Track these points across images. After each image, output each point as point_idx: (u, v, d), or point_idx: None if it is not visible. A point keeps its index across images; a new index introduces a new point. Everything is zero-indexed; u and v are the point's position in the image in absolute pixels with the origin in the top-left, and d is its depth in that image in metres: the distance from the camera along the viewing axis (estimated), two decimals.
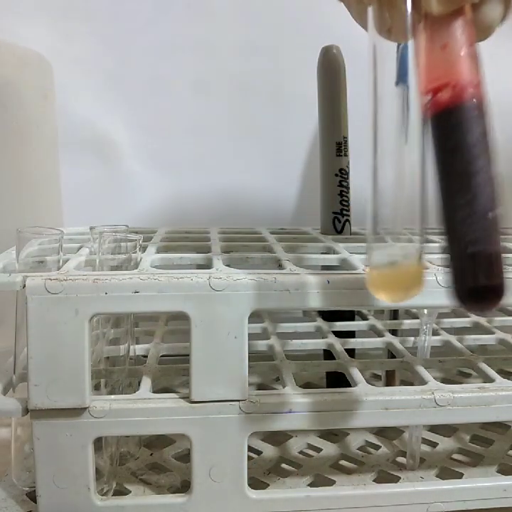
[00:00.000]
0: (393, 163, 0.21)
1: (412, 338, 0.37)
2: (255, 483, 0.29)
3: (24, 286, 0.23)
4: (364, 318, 0.40)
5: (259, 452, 0.32)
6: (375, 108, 0.21)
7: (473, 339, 0.38)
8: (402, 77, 0.25)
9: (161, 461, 0.31)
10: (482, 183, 0.19)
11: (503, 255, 0.19)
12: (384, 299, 0.21)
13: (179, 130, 0.48)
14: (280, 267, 0.27)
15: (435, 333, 0.36)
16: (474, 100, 0.20)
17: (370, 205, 0.21)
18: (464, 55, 0.20)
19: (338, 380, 0.31)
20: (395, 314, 0.40)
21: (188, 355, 0.24)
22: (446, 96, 0.20)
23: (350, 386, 0.27)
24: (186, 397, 0.25)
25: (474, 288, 0.18)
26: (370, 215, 0.21)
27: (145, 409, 0.24)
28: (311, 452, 0.32)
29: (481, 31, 0.22)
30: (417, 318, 0.37)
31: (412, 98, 0.21)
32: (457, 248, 0.19)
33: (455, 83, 0.20)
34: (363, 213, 0.40)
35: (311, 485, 0.29)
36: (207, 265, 0.27)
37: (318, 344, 0.35)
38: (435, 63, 0.21)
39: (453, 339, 0.35)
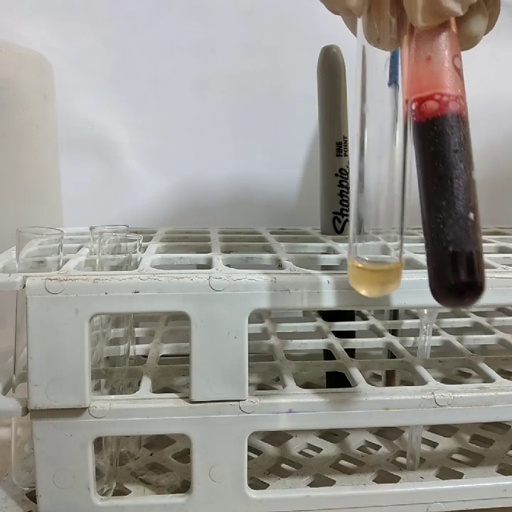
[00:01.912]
0: (377, 163, 0.22)
1: (412, 338, 0.37)
2: (255, 483, 0.29)
3: (24, 286, 0.23)
4: (364, 318, 0.40)
5: (259, 452, 0.32)
6: (362, 110, 0.22)
7: (473, 339, 0.38)
8: (393, 77, 0.26)
9: (161, 461, 0.31)
10: (462, 187, 0.21)
11: (483, 254, 0.20)
12: (363, 294, 0.22)
13: (179, 130, 0.48)
14: (280, 267, 0.27)
15: (435, 333, 0.36)
16: (456, 111, 0.21)
17: (353, 203, 0.22)
18: (448, 67, 0.21)
19: (338, 380, 0.31)
20: (395, 314, 0.40)
21: (188, 355, 0.24)
22: (430, 107, 0.21)
23: (350, 386, 0.27)
24: (186, 397, 0.25)
25: (455, 285, 0.19)
26: (352, 212, 0.22)
27: (145, 409, 0.24)
28: (311, 452, 0.32)
29: (466, 42, 0.23)
30: (417, 318, 0.37)
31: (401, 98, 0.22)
32: (438, 247, 0.20)
33: (439, 95, 0.21)
34: None
35: (311, 485, 0.29)
36: (207, 265, 0.27)
37: (318, 344, 0.35)
38: (420, 74, 0.22)
39: (453, 339, 0.35)
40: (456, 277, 0.19)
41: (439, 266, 0.20)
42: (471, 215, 0.20)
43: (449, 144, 0.21)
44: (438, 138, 0.21)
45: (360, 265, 0.22)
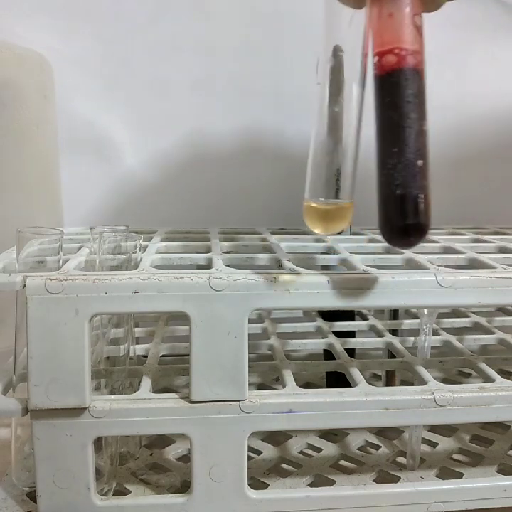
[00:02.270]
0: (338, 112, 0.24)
1: (412, 338, 0.37)
2: (255, 483, 0.29)
3: (24, 286, 0.23)
4: (364, 318, 0.40)
5: (259, 452, 0.32)
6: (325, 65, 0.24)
7: (473, 339, 0.38)
8: None
9: (161, 461, 0.31)
10: (413, 135, 0.22)
11: (430, 198, 0.22)
12: (316, 231, 0.25)
13: (179, 130, 0.48)
14: (280, 267, 0.27)
15: (435, 333, 0.36)
16: (413, 65, 0.22)
17: (311, 149, 0.24)
18: (408, 24, 0.23)
19: (338, 380, 0.31)
20: (395, 314, 0.40)
21: (188, 355, 0.24)
22: (389, 60, 0.22)
23: (350, 386, 0.27)
24: (186, 397, 0.25)
25: (402, 226, 0.21)
26: (310, 157, 0.24)
27: (145, 409, 0.24)
28: (311, 452, 0.32)
29: (431, 3, 0.24)
30: (417, 318, 0.37)
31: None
32: (388, 190, 0.22)
33: (398, 49, 0.22)
34: (363, 213, 0.40)
35: (311, 485, 0.29)
36: (207, 265, 0.27)
37: (318, 344, 0.35)
38: (383, 30, 0.23)
39: (453, 339, 0.35)
40: (404, 218, 0.21)
41: (389, 208, 0.22)
42: (420, 162, 0.22)
43: (404, 94, 0.22)
44: (394, 89, 0.22)
45: (313, 204, 0.24)
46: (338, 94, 0.25)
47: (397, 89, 0.22)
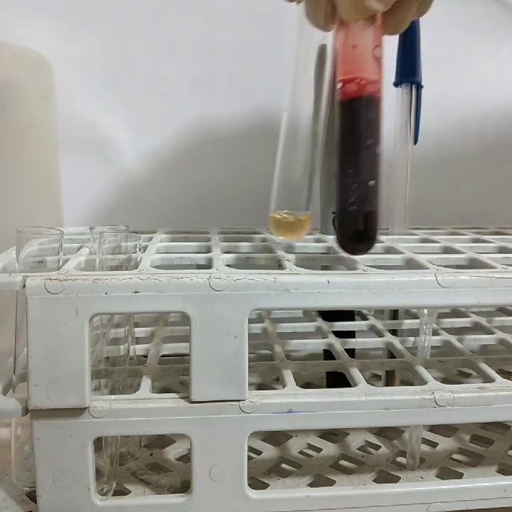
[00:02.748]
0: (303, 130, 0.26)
1: (412, 338, 0.37)
2: (255, 483, 0.29)
3: (24, 286, 0.23)
4: (364, 318, 0.40)
5: (259, 452, 0.32)
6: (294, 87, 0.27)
7: (473, 339, 0.38)
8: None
9: (161, 461, 0.31)
10: (368, 159, 0.25)
11: (379, 215, 0.25)
12: (281, 239, 0.28)
13: (179, 130, 0.48)
14: (280, 267, 0.27)
15: (435, 333, 0.36)
16: (371, 94, 0.25)
17: (277, 166, 0.26)
18: (369, 56, 0.25)
19: (338, 380, 0.31)
20: (395, 314, 0.40)
21: (188, 355, 0.24)
22: (351, 88, 0.25)
23: (350, 386, 0.27)
24: (186, 397, 0.25)
25: (354, 237, 0.25)
26: (276, 173, 0.26)
27: (145, 409, 0.24)
28: (311, 452, 0.32)
29: (394, 27, 0.26)
30: (417, 318, 0.37)
31: None
32: (343, 207, 0.25)
33: (359, 80, 0.25)
34: None
35: (311, 485, 0.29)
36: (207, 265, 0.27)
37: (318, 344, 0.35)
38: (347, 59, 0.25)
39: (453, 339, 0.35)
40: (355, 230, 0.24)
41: (343, 222, 0.25)
42: (372, 183, 0.25)
43: (362, 121, 0.25)
44: (353, 115, 0.25)
45: (276, 216, 0.26)
46: (318, 112, 0.27)
47: (357, 116, 0.25)
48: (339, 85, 0.25)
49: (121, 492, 0.28)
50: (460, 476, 0.30)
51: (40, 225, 0.26)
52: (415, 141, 0.38)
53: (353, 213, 0.25)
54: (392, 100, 0.38)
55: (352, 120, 0.25)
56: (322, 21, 0.24)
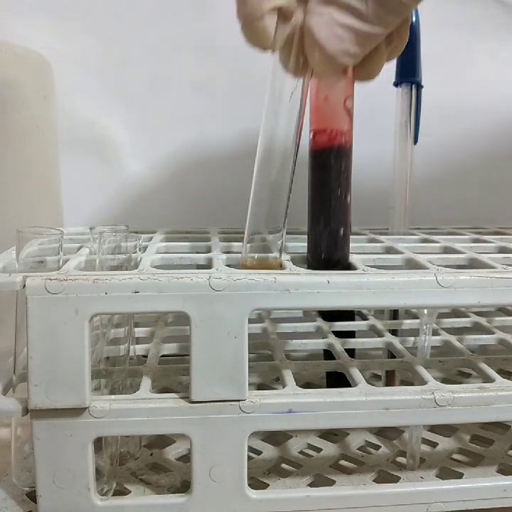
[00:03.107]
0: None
1: (412, 338, 0.37)
2: (255, 483, 0.29)
3: (24, 286, 0.23)
4: (364, 318, 0.40)
5: (259, 452, 0.32)
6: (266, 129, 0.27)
7: (473, 339, 0.38)
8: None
9: (161, 461, 0.31)
10: (338, 207, 0.27)
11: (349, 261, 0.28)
12: None
13: (179, 130, 0.48)
14: (280, 267, 0.27)
15: (435, 333, 0.36)
16: (341, 145, 0.26)
17: (249, 211, 0.26)
18: (340, 107, 0.26)
19: (338, 380, 0.31)
20: (395, 314, 0.40)
21: (188, 355, 0.24)
22: (322, 139, 0.26)
23: (350, 386, 0.27)
24: (186, 397, 0.25)
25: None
26: (248, 218, 0.26)
27: (145, 409, 0.24)
28: (311, 452, 0.32)
29: (365, 76, 0.26)
30: (417, 318, 0.37)
31: None
32: (315, 253, 0.28)
33: (330, 130, 0.26)
34: (363, 213, 0.40)
35: (311, 485, 0.29)
36: (207, 265, 0.27)
37: (318, 344, 0.35)
38: (318, 109, 0.26)
39: (453, 339, 0.35)
40: (325, 268, 0.26)
41: (315, 267, 0.27)
42: (342, 231, 0.27)
43: (332, 171, 0.26)
44: (324, 166, 0.26)
45: (247, 264, 0.26)
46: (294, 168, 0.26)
47: (327, 167, 0.26)
48: (310, 135, 0.26)
49: (121, 492, 0.28)
50: (460, 476, 0.30)
51: (40, 225, 0.26)
52: (415, 141, 0.38)
53: (324, 261, 0.27)
54: (392, 100, 0.38)
55: (322, 170, 0.26)
56: (295, 70, 0.24)
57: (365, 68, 0.25)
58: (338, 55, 0.23)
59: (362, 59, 0.23)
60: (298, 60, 0.24)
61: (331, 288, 0.24)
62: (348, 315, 0.38)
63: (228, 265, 0.26)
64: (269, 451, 0.32)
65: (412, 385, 0.28)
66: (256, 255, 0.26)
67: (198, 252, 0.30)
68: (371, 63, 0.25)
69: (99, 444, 0.26)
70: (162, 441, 0.32)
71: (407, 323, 0.39)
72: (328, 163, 0.26)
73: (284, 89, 0.24)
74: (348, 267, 0.28)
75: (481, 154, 0.51)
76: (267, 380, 0.40)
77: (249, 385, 0.25)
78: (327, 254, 0.27)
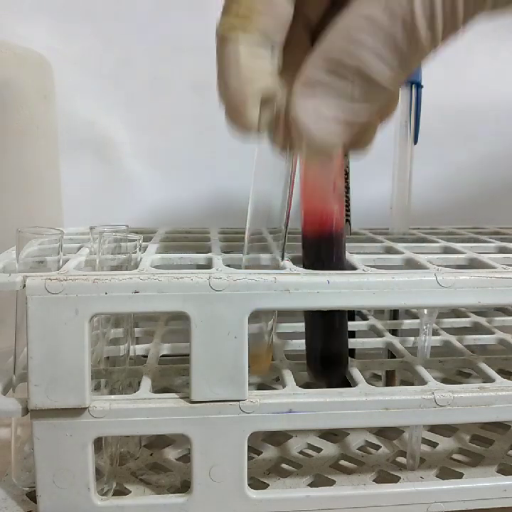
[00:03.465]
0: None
1: (412, 338, 0.37)
2: (255, 483, 0.29)
3: (24, 286, 0.23)
4: (364, 318, 0.40)
5: (259, 452, 0.32)
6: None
7: (473, 339, 0.38)
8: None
9: (161, 461, 0.31)
10: (340, 333, 0.27)
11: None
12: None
13: (179, 130, 0.48)
14: (280, 266, 0.27)
15: (435, 333, 0.36)
16: (333, 232, 0.26)
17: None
18: (330, 191, 0.25)
19: None
20: (395, 314, 0.40)
21: (188, 355, 0.24)
22: (313, 225, 0.25)
23: (350, 386, 0.27)
24: (186, 397, 0.25)
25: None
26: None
27: (145, 409, 0.24)
28: (311, 452, 0.32)
29: (359, 150, 0.25)
30: (417, 318, 0.37)
31: None
32: (313, 366, 0.28)
33: (320, 218, 0.25)
34: (362, 213, 0.40)
35: (311, 485, 0.29)
36: (207, 265, 0.27)
37: None
38: (309, 196, 0.26)
39: (453, 339, 0.35)
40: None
41: (314, 374, 0.29)
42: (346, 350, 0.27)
43: (326, 257, 0.26)
44: (317, 252, 0.26)
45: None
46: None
47: (319, 252, 0.26)
48: (301, 216, 0.26)
49: (121, 492, 0.28)
50: (460, 476, 0.30)
51: (40, 225, 0.26)
52: (415, 141, 0.38)
53: (320, 372, 0.28)
54: None
55: (314, 257, 0.26)
56: (284, 151, 0.23)
57: (357, 144, 0.25)
58: (328, 145, 0.21)
59: (354, 137, 0.22)
60: (285, 142, 0.23)
61: (331, 288, 0.24)
62: (348, 315, 0.38)
63: (228, 265, 0.26)
64: (269, 451, 0.32)
65: (412, 385, 0.28)
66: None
67: (198, 252, 0.30)
68: (363, 139, 0.24)
69: (99, 444, 0.26)
70: (162, 441, 0.32)
71: (407, 323, 0.39)
72: (320, 249, 0.26)
73: (277, 171, 0.24)
74: (346, 382, 0.28)
75: (481, 154, 0.51)
76: (267, 380, 0.40)
77: (249, 385, 0.25)
78: (323, 370, 0.28)
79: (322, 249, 0.26)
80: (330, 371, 0.27)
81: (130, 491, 0.28)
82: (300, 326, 0.38)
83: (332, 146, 0.21)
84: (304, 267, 0.26)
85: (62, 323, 0.23)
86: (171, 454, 0.31)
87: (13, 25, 0.44)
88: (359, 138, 0.24)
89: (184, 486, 0.28)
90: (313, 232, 0.26)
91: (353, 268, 0.26)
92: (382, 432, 0.34)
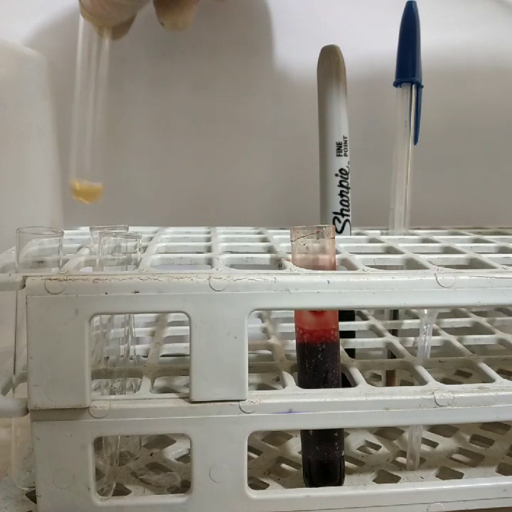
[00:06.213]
0: None
1: (412, 338, 0.37)
2: (255, 483, 0.29)
3: (24, 286, 0.23)
4: (364, 318, 0.40)
5: (259, 452, 0.32)
6: None
7: (473, 339, 0.38)
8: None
9: (161, 461, 0.31)
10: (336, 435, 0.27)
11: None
12: (80, 201, 0.38)
13: (179, 130, 0.48)
14: (280, 267, 0.27)
15: (435, 333, 0.36)
16: (324, 343, 0.26)
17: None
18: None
19: None
20: (395, 314, 0.40)
21: (188, 355, 0.24)
22: (306, 337, 0.26)
23: (350, 386, 0.27)
24: (186, 397, 0.25)
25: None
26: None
27: (145, 409, 0.24)
28: None
29: (172, 25, 0.36)
30: (417, 318, 0.37)
31: None
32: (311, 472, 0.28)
33: (311, 330, 0.26)
34: (363, 213, 0.40)
35: None
36: (207, 265, 0.27)
37: None
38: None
39: (453, 339, 0.35)
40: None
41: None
42: (342, 454, 0.27)
43: (322, 369, 0.26)
44: (312, 360, 0.26)
45: (77, 183, 0.36)
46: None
47: (314, 362, 0.26)
48: (298, 328, 0.26)
49: (121, 492, 0.28)
50: (460, 476, 0.30)
51: (40, 225, 0.26)
52: (415, 141, 0.38)
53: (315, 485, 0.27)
54: (392, 100, 0.38)
55: (310, 363, 0.26)
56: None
57: (176, 25, 0.32)
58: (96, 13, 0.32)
59: (164, 11, 0.30)
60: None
61: (331, 288, 0.24)
62: (348, 315, 0.38)
63: (228, 265, 0.26)
64: (269, 451, 0.32)
65: (412, 385, 0.28)
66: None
67: (198, 252, 0.30)
68: (180, 17, 0.32)
69: (99, 444, 0.26)
70: (162, 441, 0.32)
71: (407, 323, 0.39)
72: (314, 357, 0.26)
73: None
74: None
75: (481, 154, 0.51)
76: (267, 380, 0.40)
77: (249, 385, 0.25)
78: (319, 478, 0.28)
79: (317, 358, 0.26)
80: (324, 484, 0.27)
81: (130, 491, 0.28)
82: None
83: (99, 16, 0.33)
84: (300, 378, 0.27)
85: (62, 324, 0.23)
86: (171, 454, 0.31)
87: (13, 25, 0.44)
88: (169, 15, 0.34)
89: (184, 486, 0.28)
90: (305, 342, 0.26)
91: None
92: (382, 432, 0.34)
